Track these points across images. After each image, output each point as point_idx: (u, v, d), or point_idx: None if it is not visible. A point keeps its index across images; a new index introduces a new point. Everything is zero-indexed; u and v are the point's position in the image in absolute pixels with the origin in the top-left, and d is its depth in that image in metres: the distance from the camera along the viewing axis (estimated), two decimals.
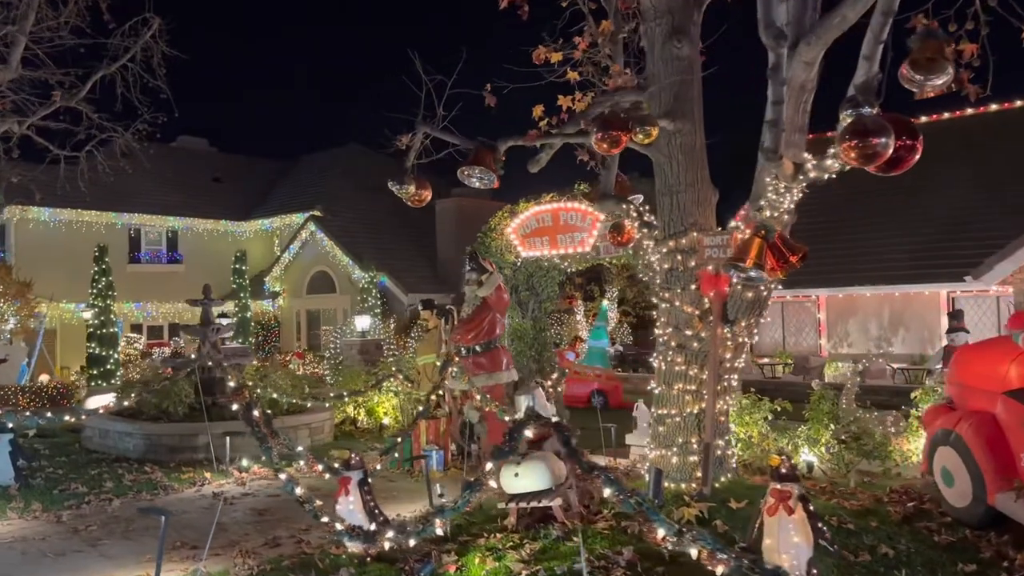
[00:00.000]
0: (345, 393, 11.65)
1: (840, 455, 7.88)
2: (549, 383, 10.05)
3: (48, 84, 13.05)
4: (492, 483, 5.76)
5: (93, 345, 16.78)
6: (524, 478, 6.25)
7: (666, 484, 6.65)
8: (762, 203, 6.27)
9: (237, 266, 22.85)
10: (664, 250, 7.04)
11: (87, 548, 6.77)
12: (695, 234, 6.92)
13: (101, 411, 9.01)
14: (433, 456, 9.16)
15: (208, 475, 9.32)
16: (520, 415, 6.46)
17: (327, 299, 25.37)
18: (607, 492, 4.89)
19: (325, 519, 6.12)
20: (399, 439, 9.42)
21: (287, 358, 21.87)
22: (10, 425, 8.38)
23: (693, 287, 6.87)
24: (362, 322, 18.22)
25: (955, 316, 12.77)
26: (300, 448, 7.92)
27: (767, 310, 7.01)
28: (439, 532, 5.48)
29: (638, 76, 7.29)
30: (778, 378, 17.63)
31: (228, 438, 9.65)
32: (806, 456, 8.14)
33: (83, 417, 9.10)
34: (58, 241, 23.12)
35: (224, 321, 21.16)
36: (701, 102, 7.15)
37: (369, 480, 6.32)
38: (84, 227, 23.85)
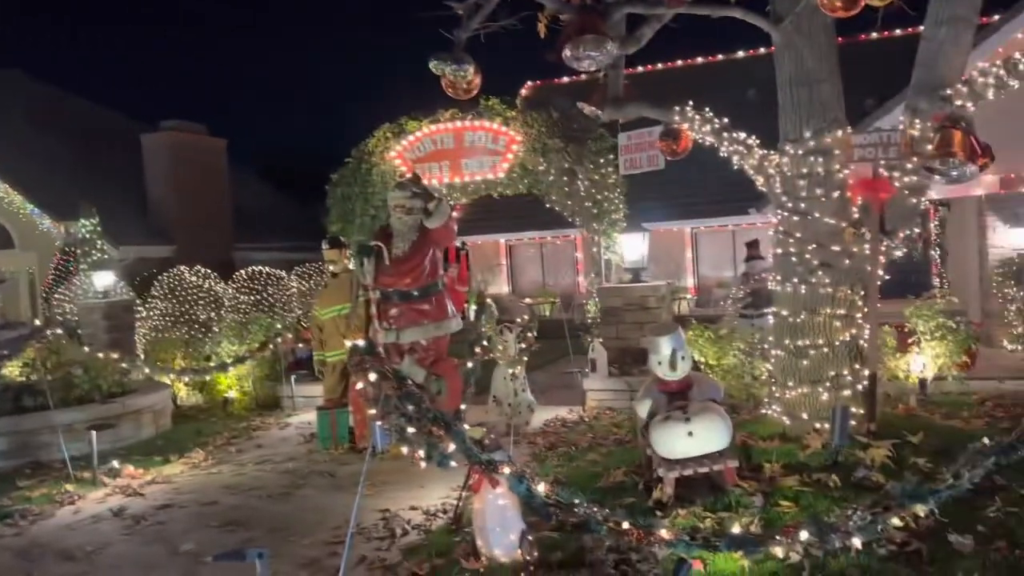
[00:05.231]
0: (228, 361, 8.98)
1: None
2: None
3: None
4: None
5: None
6: (699, 439, 4.95)
7: (817, 425, 5.85)
8: (948, 91, 5.45)
9: None
10: (800, 152, 6.03)
11: None
12: (840, 132, 6.00)
13: None
14: (377, 430, 7.44)
15: None
16: (663, 361, 5.31)
17: (3, 257, 19.90)
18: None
19: None
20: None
21: None
22: None
23: (836, 194, 5.99)
24: (103, 279, 14.36)
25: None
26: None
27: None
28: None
29: None
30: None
31: None
32: None
33: None
34: None
35: None
36: None
37: None
38: None
